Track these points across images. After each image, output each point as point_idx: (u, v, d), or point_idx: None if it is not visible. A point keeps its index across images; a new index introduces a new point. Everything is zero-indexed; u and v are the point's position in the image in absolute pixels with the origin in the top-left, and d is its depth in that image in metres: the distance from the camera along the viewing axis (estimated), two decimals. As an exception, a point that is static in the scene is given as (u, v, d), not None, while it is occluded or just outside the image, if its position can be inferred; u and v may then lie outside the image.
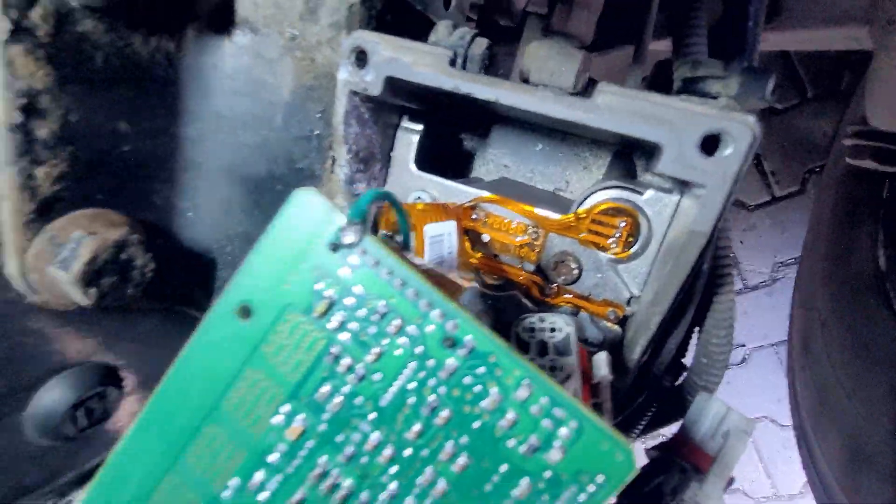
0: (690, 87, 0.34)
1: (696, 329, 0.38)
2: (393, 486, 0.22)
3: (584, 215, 0.34)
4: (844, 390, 0.85)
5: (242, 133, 0.38)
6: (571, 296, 0.36)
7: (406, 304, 0.21)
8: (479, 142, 0.44)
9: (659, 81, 0.44)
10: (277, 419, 0.23)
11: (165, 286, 0.38)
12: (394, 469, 0.21)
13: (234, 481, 0.23)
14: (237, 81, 0.37)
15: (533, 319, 0.29)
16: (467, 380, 0.21)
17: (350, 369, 0.22)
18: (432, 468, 0.21)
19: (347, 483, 0.22)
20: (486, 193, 0.36)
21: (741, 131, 0.26)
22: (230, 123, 0.38)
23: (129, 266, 0.33)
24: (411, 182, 0.39)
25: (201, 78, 0.37)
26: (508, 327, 0.36)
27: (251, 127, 0.38)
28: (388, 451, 0.21)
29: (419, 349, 0.21)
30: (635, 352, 0.33)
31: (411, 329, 0.21)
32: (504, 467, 0.20)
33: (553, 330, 0.29)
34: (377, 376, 0.21)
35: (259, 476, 0.23)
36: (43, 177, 0.31)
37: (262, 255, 0.22)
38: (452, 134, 0.44)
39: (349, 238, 0.21)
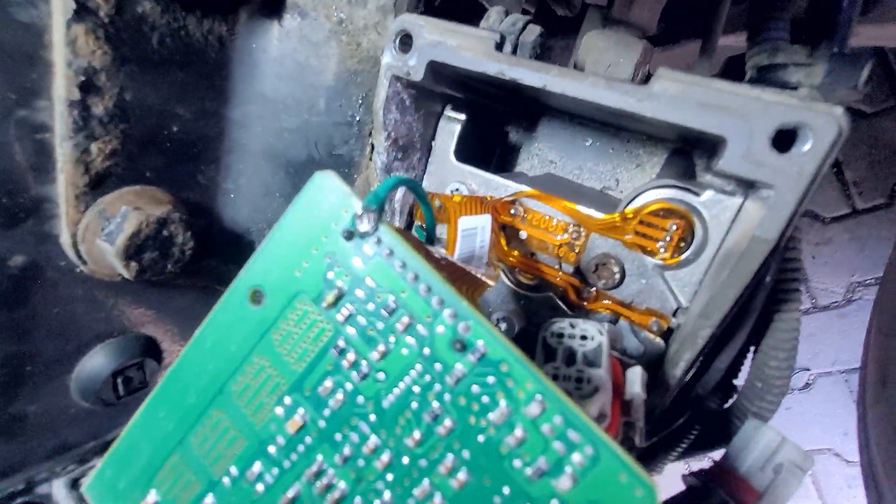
0: (766, 77, 0.31)
1: (752, 349, 0.35)
2: (387, 495, 0.20)
3: (632, 215, 0.32)
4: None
5: (285, 117, 0.39)
6: (611, 301, 0.33)
7: (417, 299, 0.19)
8: (526, 135, 0.42)
9: (729, 78, 0.40)
10: (279, 410, 0.22)
11: (204, 265, 0.39)
12: (390, 476, 0.20)
13: (234, 469, 0.22)
14: (283, 65, 0.38)
15: (563, 325, 0.27)
16: (475, 388, 0.19)
17: (354, 365, 0.20)
18: (429, 481, 0.19)
19: (342, 485, 0.21)
20: (526, 188, 0.35)
21: (825, 124, 0.23)
22: (274, 107, 0.39)
23: (170, 243, 0.34)
24: (451, 173, 0.38)
25: (249, 61, 0.38)
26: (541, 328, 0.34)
27: (294, 111, 0.39)
28: (385, 457, 0.20)
29: (427, 351, 0.19)
30: (678, 368, 0.30)
31: (420, 328, 0.20)
32: (507, 489, 0.18)
33: (584, 338, 0.27)
34: (381, 375, 0.20)
35: (257, 467, 0.22)
36: (97, 152, 0.32)
37: (278, 238, 0.22)
38: (498, 126, 0.42)
39: (364, 226, 0.20)
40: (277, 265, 0.22)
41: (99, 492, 0.26)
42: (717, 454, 0.35)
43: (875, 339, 0.93)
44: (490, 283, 0.24)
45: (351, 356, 0.21)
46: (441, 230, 0.37)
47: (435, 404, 0.20)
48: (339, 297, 0.21)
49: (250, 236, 0.41)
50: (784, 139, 0.24)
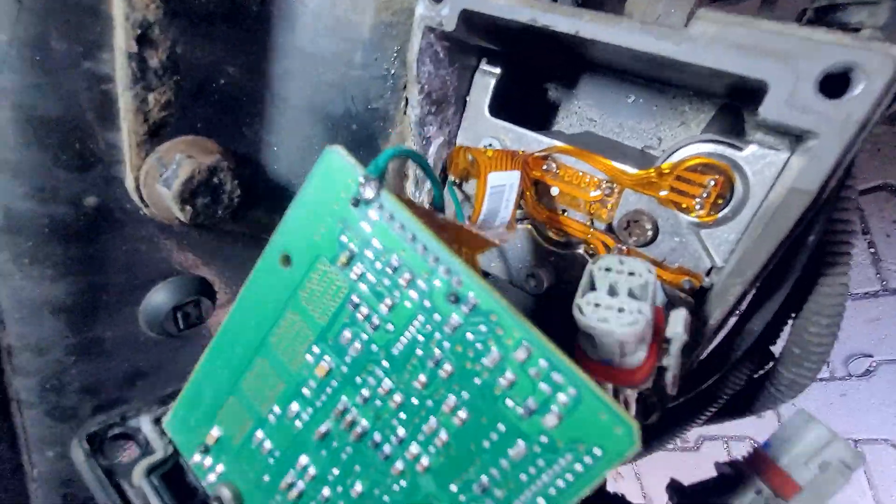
0: (825, 18, 0.28)
1: (793, 315, 0.33)
2: (401, 430, 0.23)
3: (668, 170, 0.31)
4: None
5: (324, 71, 0.41)
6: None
7: (416, 258, 0.22)
8: (565, 92, 0.41)
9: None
10: (309, 357, 0.25)
11: (250, 214, 0.43)
12: (402, 415, 0.23)
13: (276, 408, 0.26)
14: (321, 19, 0.39)
15: (611, 260, 0.27)
16: (469, 336, 0.21)
17: (367, 318, 0.23)
18: (435, 418, 0.22)
19: (364, 422, 0.24)
20: (559, 143, 0.35)
21: (879, 65, 0.22)
22: (313, 61, 0.40)
23: (220, 190, 0.37)
24: (484, 128, 0.39)
25: (289, 15, 0.40)
26: (570, 285, 0.34)
27: (332, 65, 0.40)
28: (398, 398, 0.23)
29: (426, 303, 0.22)
30: (708, 327, 0.30)
31: (420, 283, 0.22)
32: (501, 426, 0.21)
33: (632, 274, 0.26)
34: (390, 326, 0.23)
35: (295, 406, 0.26)
36: (153, 102, 0.36)
37: (298, 208, 0.24)
38: (536, 83, 0.42)
39: (368, 193, 0.22)
40: (299, 232, 0.25)
41: (176, 426, 0.31)
42: (761, 438, 0.34)
43: None
44: (496, 242, 0.25)
45: (364, 310, 0.23)
46: (471, 186, 0.38)
47: (436, 351, 0.22)
48: (351, 258, 0.23)
49: (291, 188, 0.44)
50: (833, 83, 0.23)
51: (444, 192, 0.37)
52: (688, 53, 0.25)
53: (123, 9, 0.32)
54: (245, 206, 0.41)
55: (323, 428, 0.26)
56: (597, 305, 0.24)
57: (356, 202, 0.24)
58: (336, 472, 0.26)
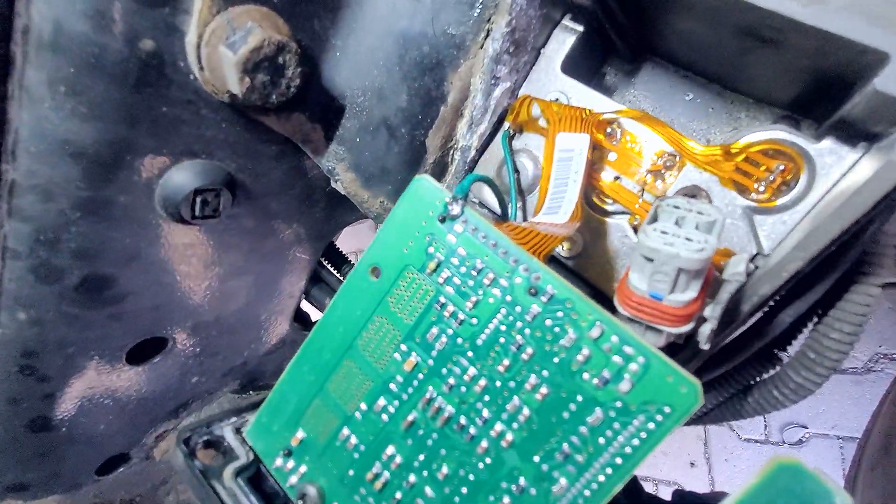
0: None
1: (814, 320, 0.35)
2: (486, 412, 0.26)
3: (738, 151, 0.32)
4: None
5: None
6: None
7: (498, 260, 0.26)
8: (624, 80, 0.42)
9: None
10: (396, 355, 0.28)
11: (294, 116, 0.41)
12: (486, 397, 0.26)
13: (363, 405, 0.29)
14: None
15: (680, 199, 0.28)
16: (548, 322, 0.25)
17: (453, 315, 0.27)
18: (518, 397, 0.25)
19: (449, 408, 0.27)
20: (628, 108, 0.35)
21: None
22: None
23: (282, 72, 0.35)
24: (553, 83, 0.38)
25: None
26: (605, 254, 0.35)
27: None
28: (482, 382, 0.26)
29: (508, 297, 0.26)
30: (749, 303, 0.31)
31: (502, 281, 0.26)
32: (580, 397, 0.24)
33: (700, 213, 0.27)
34: (474, 321, 0.26)
35: (381, 401, 0.29)
36: None
37: (389, 227, 0.29)
38: (600, 63, 0.43)
39: (454, 210, 0.27)
40: (390, 247, 0.29)
41: (257, 434, 0.33)
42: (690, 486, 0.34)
43: (888, 409, 0.98)
44: (564, 237, 0.29)
45: (450, 308, 0.27)
46: (538, 143, 0.39)
47: (518, 338, 0.26)
48: (438, 265, 0.28)
49: (343, 100, 0.42)
50: None
51: (509, 192, 0.37)
52: (815, 16, 0.25)
53: None
54: (292, 105, 0.38)
55: (410, 417, 0.29)
56: (663, 233, 0.25)
57: (443, 219, 0.28)
58: (422, 457, 0.28)
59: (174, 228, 0.42)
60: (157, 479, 0.65)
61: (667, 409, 0.23)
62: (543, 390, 0.26)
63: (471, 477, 0.27)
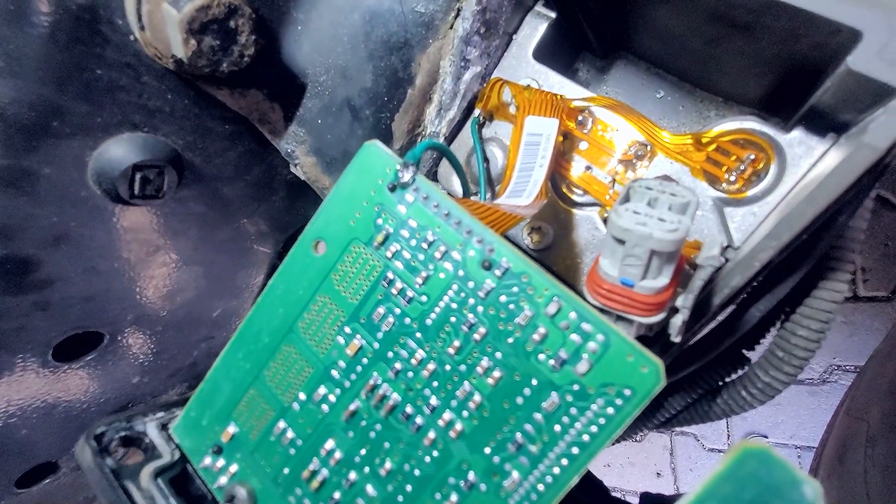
0: None
1: (782, 318, 0.34)
2: (433, 399, 0.24)
3: (709, 140, 0.31)
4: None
5: None
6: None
7: (450, 232, 0.24)
8: (597, 76, 0.42)
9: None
10: (339, 339, 0.26)
11: (251, 93, 0.38)
12: (435, 383, 0.24)
13: (302, 395, 0.26)
14: None
15: (652, 182, 0.26)
16: (502, 298, 0.23)
17: (401, 292, 0.24)
18: (469, 382, 0.23)
19: (394, 396, 0.24)
20: (599, 96, 0.34)
21: None
22: None
23: (233, 38, 0.32)
24: (525, 69, 0.37)
25: None
26: (575, 246, 0.34)
27: None
28: (430, 367, 0.24)
29: (461, 272, 0.23)
30: (719, 296, 0.30)
31: (455, 255, 0.24)
32: (534, 381, 0.22)
33: (674, 195, 0.25)
34: (424, 298, 0.24)
35: (322, 390, 0.26)
36: None
37: (336, 197, 0.26)
38: (573, 57, 0.42)
39: (405, 177, 0.24)
40: (335, 219, 0.26)
41: (185, 430, 0.30)
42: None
43: (842, 419, 0.99)
44: (526, 216, 0.27)
45: (398, 285, 0.25)
46: (508, 131, 0.37)
47: (470, 316, 0.23)
48: (386, 238, 0.25)
49: (304, 79, 0.39)
50: None
51: (466, 176, 0.35)
52: None
53: None
54: (248, 81, 0.36)
55: (352, 407, 0.26)
56: (635, 213, 0.24)
57: (393, 187, 0.26)
58: (363, 452, 0.25)
59: (111, 209, 0.38)
60: (90, 492, 0.58)
61: (627, 392, 0.21)
62: (496, 374, 0.23)
63: (416, 472, 0.24)
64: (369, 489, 0.25)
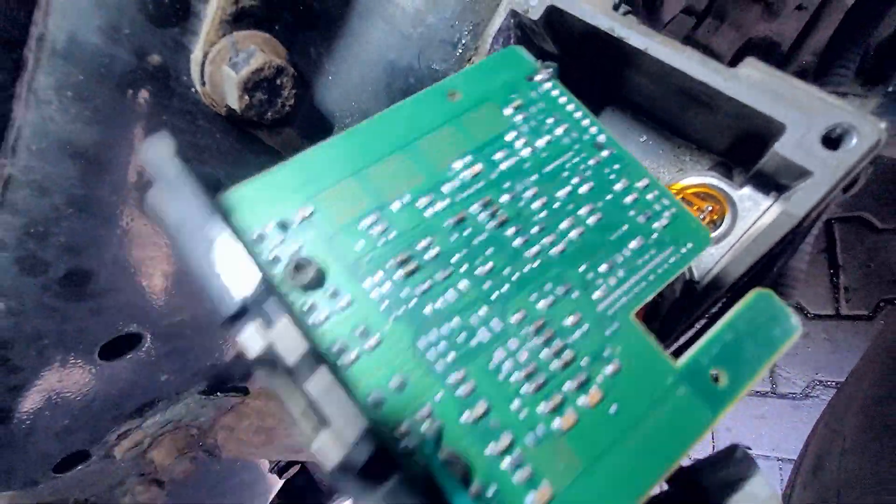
0: (823, 77, 0.41)
1: None
2: (537, 228, 0.28)
3: (676, 192, 0.39)
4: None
5: (402, 22, 0.43)
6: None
7: (573, 118, 0.31)
8: None
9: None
10: (458, 163, 0.29)
11: (286, 130, 0.43)
12: (543, 213, 0.29)
13: (407, 197, 0.28)
14: None
15: None
16: (606, 171, 0.30)
17: (526, 144, 0.30)
18: (571, 219, 0.29)
19: (503, 214, 0.28)
20: None
21: (870, 131, 0.29)
22: (396, 9, 0.43)
23: (279, 92, 0.39)
24: None
25: None
26: None
27: (412, 18, 0.43)
28: (542, 200, 0.29)
29: (577, 145, 0.30)
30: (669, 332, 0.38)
31: (573, 133, 0.31)
32: (625, 227, 0.29)
33: None
34: (545, 154, 0.30)
35: (428, 197, 0.28)
36: None
37: (476, 68, 0.32)
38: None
39: (542, 75, 0.32)
40: (477, 80, 0.32)
41: (246, 198, 0.27)
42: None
43: (820, 432, 1.03)
44: None
45: (522, 140, 0.30)
46: None
47: (581, 169, 0.30)
48: (518, 108, 0.31)
49: (332, 120, 0.45)
50: (833, 138, 0.30)
51: None
52: (733, 90, 0.31)
53: None
54: (284, 121, 0.41)
55: (461, 214, 0.28)
56: None
57: (530, 78, 0.33)
58: (465, 252, 0.27)
59: (161, 231, 0.43)
60: (115, 480, 0.62)
61: (689, 245, 0.29)
62: (596, 216, 0.29)
63: (515, 276, 0.27)
64: (463, 284, 0.26)
